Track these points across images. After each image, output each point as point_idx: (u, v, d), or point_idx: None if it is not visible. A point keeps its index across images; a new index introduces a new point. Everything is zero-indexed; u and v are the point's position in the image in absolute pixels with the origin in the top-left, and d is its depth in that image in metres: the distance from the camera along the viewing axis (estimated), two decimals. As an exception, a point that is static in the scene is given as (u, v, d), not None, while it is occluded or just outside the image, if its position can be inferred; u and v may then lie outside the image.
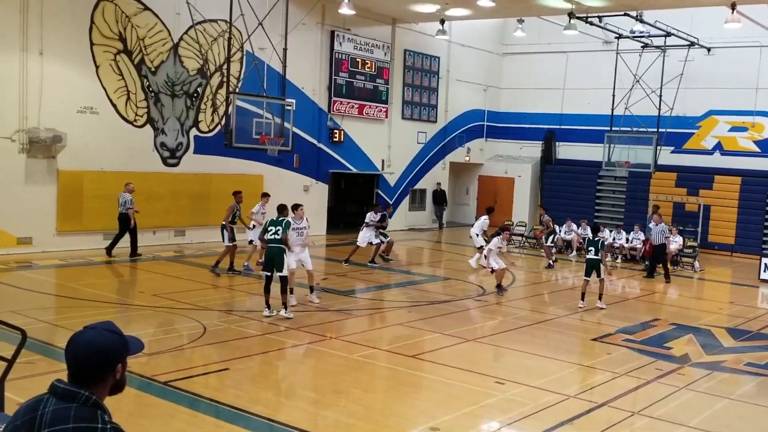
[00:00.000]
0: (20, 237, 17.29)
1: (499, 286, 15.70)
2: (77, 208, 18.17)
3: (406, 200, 28.44)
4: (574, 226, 23.21)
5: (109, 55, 18.59)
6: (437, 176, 29.67)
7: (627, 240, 22.89)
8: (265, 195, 17.35)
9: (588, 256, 14.44)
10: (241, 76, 21.30)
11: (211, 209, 19.84)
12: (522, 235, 25.23)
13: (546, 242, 21.10)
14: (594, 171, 28.19)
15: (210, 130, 21.11)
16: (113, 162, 18.81)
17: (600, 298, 14.56)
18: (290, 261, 12.95)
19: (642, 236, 22.31)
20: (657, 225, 19.13)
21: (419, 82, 28.29)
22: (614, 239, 22.90)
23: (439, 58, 28.84)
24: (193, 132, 20.73)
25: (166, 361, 9.49)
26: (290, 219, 13.05)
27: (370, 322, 12.88)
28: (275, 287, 12.27)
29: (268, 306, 12.27)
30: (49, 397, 2.56)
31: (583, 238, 17.47)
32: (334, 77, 24.53)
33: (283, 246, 12.27)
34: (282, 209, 12.85)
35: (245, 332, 11.39)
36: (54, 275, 15.77)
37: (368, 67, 25.59)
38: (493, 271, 15.67)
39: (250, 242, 16.92)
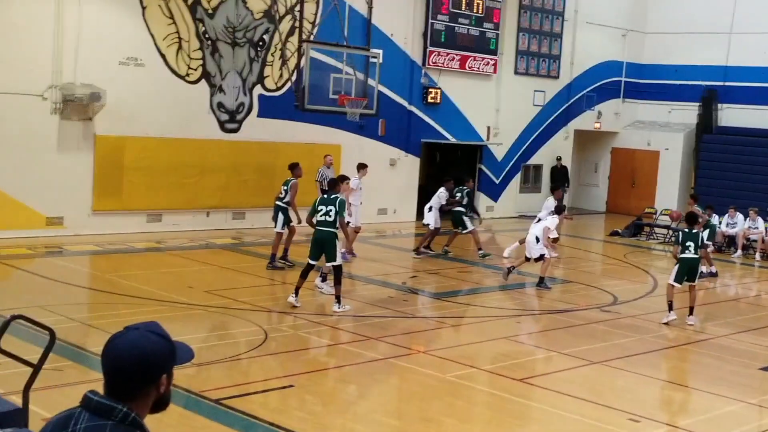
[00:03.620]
0: (50, 216, 17.93)
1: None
2: (117, 182, 18.72)
3: (517, 179, 28.16)
4: (740, 217, 22.41)
5: (157, -5, 19.03)
6: (558, 149, 29.29)
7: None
8: (363, 166, 17.78)
9: (684, 255, 13.77)
10: (317, 20, 21.45)
11: (279, 187, 20.14)
12: (668, 227, 24.57)
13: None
14: (770, 144, 27.24)
15: (278, 88, 21.37)
16: (161, 126, 19.26)
17: (692, 312, 13.96)
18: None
19: None
20: None
21: (538, 27, 27.92)
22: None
23: (565, -5, 28.41)
24: (258, 90, 21.03)
25: (219, 373, 9.75)
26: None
27: (468, 334, 12.87)
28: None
29: (297, 293, 12.80)
30: (82, 412, 2.67)
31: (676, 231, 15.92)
32: (431, 21, 24.45)
33: (336, 231, 12.94)
34: (334, 184, 13.48)
35: (316, 341, 11.60)
36: (88, 264, 16.45)
37: (474, 8, 25.37)
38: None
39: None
